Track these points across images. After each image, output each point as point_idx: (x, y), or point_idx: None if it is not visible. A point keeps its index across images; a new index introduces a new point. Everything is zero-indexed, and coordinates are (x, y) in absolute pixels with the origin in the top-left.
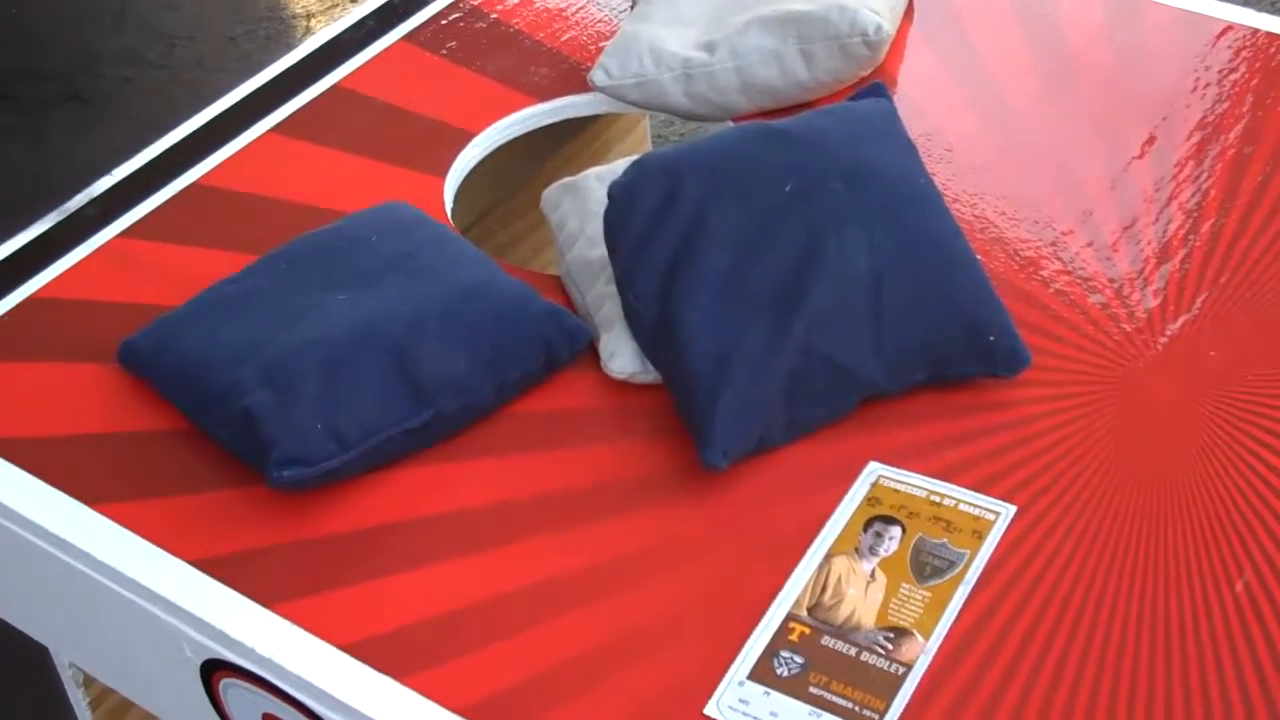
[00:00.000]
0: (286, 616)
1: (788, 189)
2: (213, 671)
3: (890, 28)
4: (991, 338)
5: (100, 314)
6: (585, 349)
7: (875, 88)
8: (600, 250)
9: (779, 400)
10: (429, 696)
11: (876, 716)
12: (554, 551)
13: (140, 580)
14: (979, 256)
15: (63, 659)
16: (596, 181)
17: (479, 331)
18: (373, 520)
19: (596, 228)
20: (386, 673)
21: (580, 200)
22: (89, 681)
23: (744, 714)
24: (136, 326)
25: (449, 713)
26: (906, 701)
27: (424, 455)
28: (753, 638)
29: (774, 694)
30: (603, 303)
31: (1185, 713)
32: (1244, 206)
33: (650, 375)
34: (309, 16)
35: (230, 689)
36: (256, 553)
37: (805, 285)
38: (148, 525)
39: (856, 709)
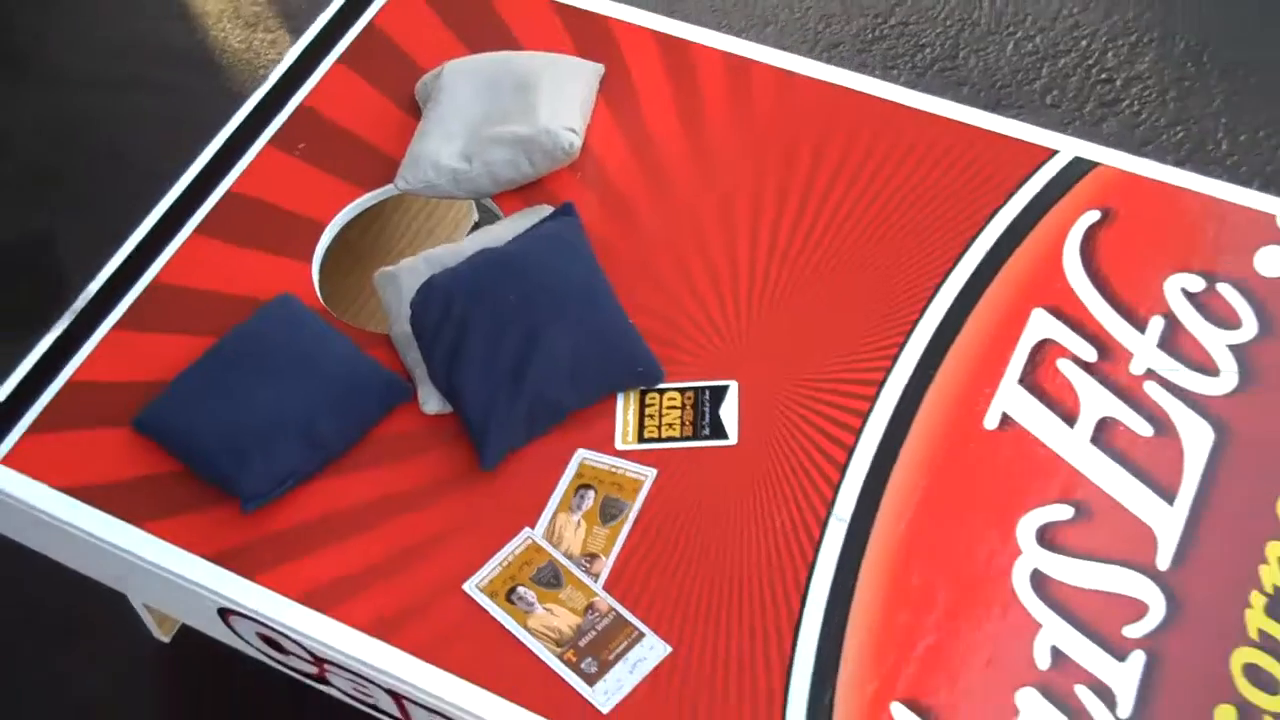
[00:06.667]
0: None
1: (512, 299)
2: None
3: (580, 140)
4: (640, 369)
5: (115, 392)
6: (410, 398)
7: (565, 207)
8: None
9: (521, 426)
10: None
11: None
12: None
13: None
14: (635, 315)
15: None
16: (409, 275)
17: (356, 410)
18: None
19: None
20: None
21: (397, 289)
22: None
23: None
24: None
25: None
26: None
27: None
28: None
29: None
30: (416, 366)
31: (769, 603)
32: (785, 236)
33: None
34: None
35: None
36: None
37: (529, 361)
38: (173, 532)
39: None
